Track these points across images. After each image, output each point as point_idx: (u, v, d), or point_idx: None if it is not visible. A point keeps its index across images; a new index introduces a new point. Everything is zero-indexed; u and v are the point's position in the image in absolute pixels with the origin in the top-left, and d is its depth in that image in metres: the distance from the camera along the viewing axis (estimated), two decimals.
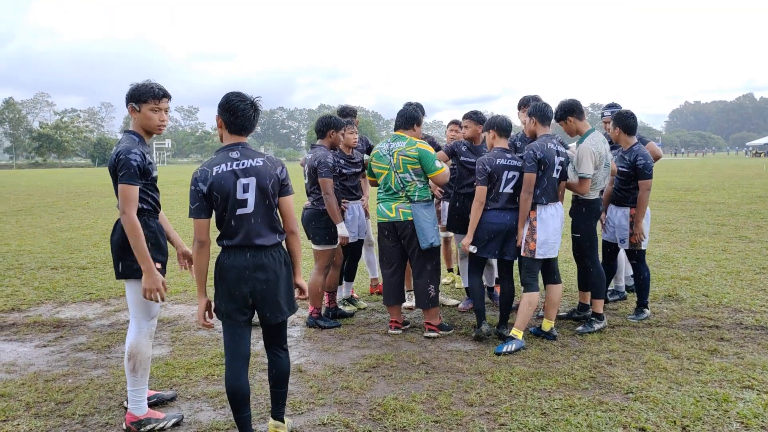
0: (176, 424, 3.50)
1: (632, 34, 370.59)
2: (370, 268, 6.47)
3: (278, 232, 3.06)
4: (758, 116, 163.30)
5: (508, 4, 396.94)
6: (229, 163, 2.95)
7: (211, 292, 3.16)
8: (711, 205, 14.08)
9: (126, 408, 3.51)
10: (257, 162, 2.99)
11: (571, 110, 4.96)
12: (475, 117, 5.60)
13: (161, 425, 3.45)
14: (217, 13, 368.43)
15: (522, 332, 4.65)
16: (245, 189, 2.94)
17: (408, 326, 5.24)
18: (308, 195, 5.28)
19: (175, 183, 28.15)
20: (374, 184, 5.26)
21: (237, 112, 2.99)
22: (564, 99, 5.07)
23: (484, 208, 4.79)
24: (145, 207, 3.38)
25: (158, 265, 3.34)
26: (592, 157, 4.79)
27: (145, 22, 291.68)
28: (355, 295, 6.14)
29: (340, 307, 5.69)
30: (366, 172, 5.37)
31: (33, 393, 3.95)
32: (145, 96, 3.37)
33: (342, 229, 5.11)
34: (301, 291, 3.26)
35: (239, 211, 2.95)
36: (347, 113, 6.17)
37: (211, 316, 3.09)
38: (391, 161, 4.88)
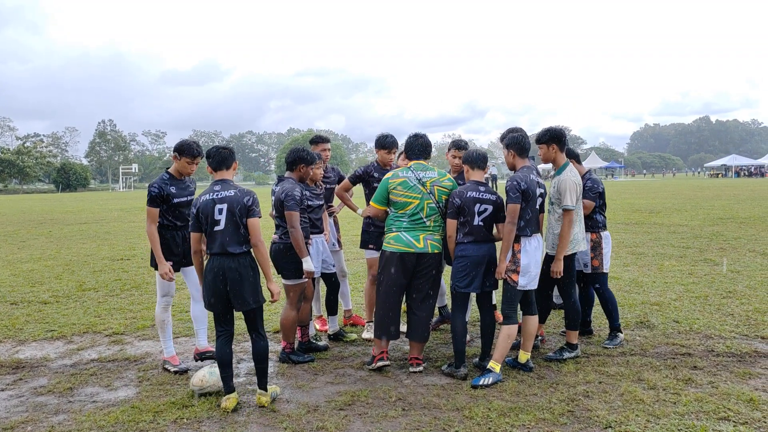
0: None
1: (595, 58, 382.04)
2: (343, 300, 6.36)
3: (244, 244, 4.18)
4: (714, 138, 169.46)
5: (478, 26, 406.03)
6: (211, 194, 4.21)
7: None
8: (675, 228, 14.40)
9: None
10: (230, 192, 4.20)
11: (558, 138, 5.00)
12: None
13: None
14: (187, 36, 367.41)
15: (500, 365, 4.61)
16: (219, 212, 4.14)
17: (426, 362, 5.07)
18: (276, 228, 5.18)
19: (142, 209, 27.54)
20: (376, 214, 5.05)
21: (210, 155, 4.36)
22: (553, 125, 5.12)
23: (461, 242, 4.77)
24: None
25: (170, 263, 4.86)
26: (575, 190, 4.85)
27: (113, 45, 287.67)
28: (342, 329, 6.03)
29: (318, 342, 5.56)
30: (374, 200, 5.03)
31: None
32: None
33: (307, 263, 5.00)
34: (272, 294, 4.25)
35: (215, 228, 4.15)
36: (318, 141, 6.11)
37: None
38: (423, 191, 4.81)
